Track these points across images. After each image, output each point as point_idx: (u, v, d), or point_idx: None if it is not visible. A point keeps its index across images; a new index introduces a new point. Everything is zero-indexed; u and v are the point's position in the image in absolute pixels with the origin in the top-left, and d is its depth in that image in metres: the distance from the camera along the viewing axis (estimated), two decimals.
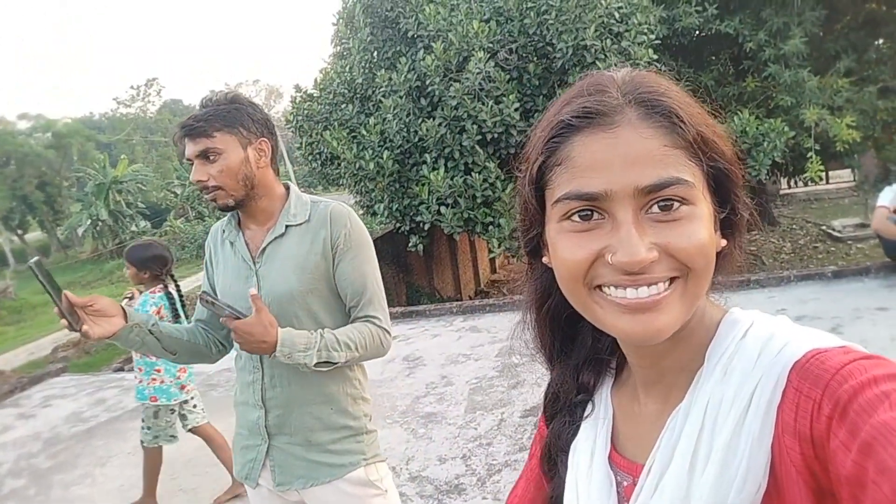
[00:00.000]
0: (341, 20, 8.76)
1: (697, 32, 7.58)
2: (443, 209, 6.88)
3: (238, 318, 1.44)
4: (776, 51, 6.93)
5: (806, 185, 11.66)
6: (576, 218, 0.57)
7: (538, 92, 6.94)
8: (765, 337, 0.58)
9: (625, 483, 0.65)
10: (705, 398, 0.59)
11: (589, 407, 0.73)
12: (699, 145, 0.56)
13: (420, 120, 7.03)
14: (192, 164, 1.56)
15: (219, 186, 1.54)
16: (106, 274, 22.20)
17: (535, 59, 6.85)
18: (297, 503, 1.69)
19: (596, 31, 6.36)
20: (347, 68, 8.21)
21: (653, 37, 6.66)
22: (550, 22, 6.54)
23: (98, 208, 23.74)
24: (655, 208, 0.54)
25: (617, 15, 6.55)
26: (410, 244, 7.55)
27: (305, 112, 8.42)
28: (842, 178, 14.64)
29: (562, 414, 0.75)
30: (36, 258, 1.41)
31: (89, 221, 24.00)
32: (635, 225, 0.54)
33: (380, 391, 4.79)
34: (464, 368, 5.05)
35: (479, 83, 6.55)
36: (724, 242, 0.61)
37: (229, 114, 1.55)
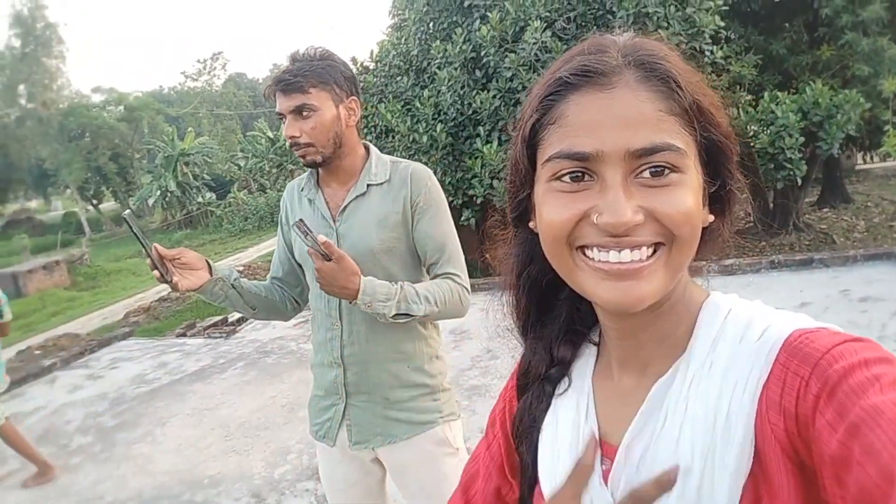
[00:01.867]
0: None
1: None
2: (496, 183, 6.80)
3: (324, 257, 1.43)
4: (854, 17, 6.47)
5: (883, 160, 10.98)
6: (566, 179, 0.56)
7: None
8: (750, 318, 0.57)
9: (603, 466, 0.63)
10: (688, 377, 0.57)
11: (564, 383, 0.71)
12: (695, 114, 0.55)
13: (474, 92, 6.94)
14: (284, 119, 1.57)
15: (310, 143, 1.56)
16: (175, 243, 23.06)
17: (593, 27, 6.61)
18: (371, 461, 1.72)
19: None
20: (403, 40, 8.16)
21: (720, 2, 6.32)
22: None
23: (167, 180, 24.63)
24: (646, 173, 0.54)
25: None
26: (462, 218, 7.52)
27: (361, 84, 8.41)
28: None
29: (533, 387, 0.73)
30: (128, 210, 1.47)
31: (159, 192, 24.95)
32: (623, 188, 0.53)
33: None
34: (510, 343, 4.98)
35: (535, 54, 6.39)
36: (711, 218, 0.60)
37: (324, 70, 1.56)
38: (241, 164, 25.33)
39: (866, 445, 0.43)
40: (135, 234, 1.41)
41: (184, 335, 7.36)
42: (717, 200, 0.61)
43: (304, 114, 1.54)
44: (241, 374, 5.56)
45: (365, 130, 8.63)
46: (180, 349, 6.72)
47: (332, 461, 1.74)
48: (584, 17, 6.62)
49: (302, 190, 1.73)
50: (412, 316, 1.53)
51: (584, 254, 0.56)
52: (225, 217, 22.85)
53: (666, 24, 6.12)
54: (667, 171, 0.54)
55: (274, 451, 3.93)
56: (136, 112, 30.88)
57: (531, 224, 0.63)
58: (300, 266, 1.77)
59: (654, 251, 0.55)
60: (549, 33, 6.35)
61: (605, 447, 0.64)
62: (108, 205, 35.78)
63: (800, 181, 6.64)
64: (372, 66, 8.61)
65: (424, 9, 7.80)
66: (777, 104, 6.25)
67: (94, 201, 33.56)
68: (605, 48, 0.57)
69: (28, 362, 7.28)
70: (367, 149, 1.69)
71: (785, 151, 6.10)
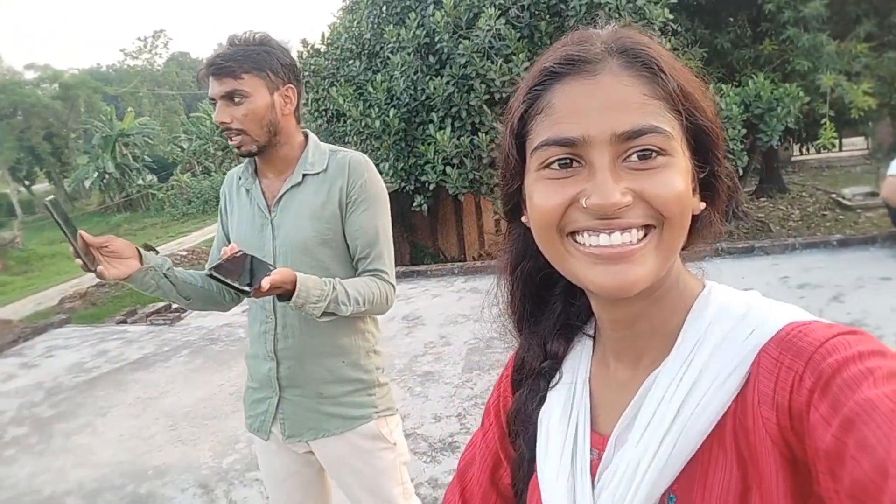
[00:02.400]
0: None
1: None
2: (448, 169, 6.79)
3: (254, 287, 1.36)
4: (795, 13, 6.71)
5: (818, 151, 11.47)
6: (554, 166, 0.56)
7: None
8: (744, 309, 0.58)
9: (591, 457, 0.63)
10: (679, 366, 0.57)
11: (557, 376, 0.71)
12: (679, 98, 0.56)
13: (428, 78, 6.89)
14: (216, 104, 1.51)
15: (242, 130, 1.51)
16: (113, 227, 22.25)
17: (547, 16, 6.66)
18: (305, 454, 1.70)
19: None
20: (355, 23, 8.04)
21: None
22: None
23: (105, 161, 23.69)
24: (634, 157, 0.54)
25: None
26: (415, 204, 7.49)
27: (312, 67, 8.27)
28: (855, 145, 14.37)
29: (528, 382, 0.73)
30: (51, 197, 1.38)
31: (96, 174, 23.99)
32: (611, 170, 0.54)
33: None
34: (463, 329, 5.04)
35: (489, 41, 6.39)
36: (702, 206, 0.60)
37: (259, 56, 1.50)
38: (185, 146, 24.55)
39: (860, 439, 0.43)
40: (57, 221, 1.33)
41: (124, 322, 7.10)
42: (707, 188, 0.61)
43: (236, 100, 1.49)
44: (187, 361, 5.41)
45: (316, 114, 8.47)
46: (121, 336, 6.49)
47: (269, 453, 1.72)
48: (538, 6, 6.65)
49: (240, 179, 1.68)
50: (335, 315, 1.51)
51: (575, 240, 0.56)
52: (167, 200, 22.15)
53: (617, 15, 6.20)
54: (654, 153, 0.54)
55: (222, 440, 3.84)
56: (71, 90, 29.53)
57: (524, 219, 0.63)
58: None
59: (645, 234, 0.55)
60: (502, 21, 6.36)
61: (596, 438, 0.64)
62: (42, 186, 34.21)
63: (741, 171, 6.88)
64: (323, 48, 8.44)
65: None
66: (721, 96, 6.44)
67: (27, 182, 32.02)
68: (589, 39, 0.58)
69: None
70: (305, 137, 1.65)
71: (728, 143, 6.28)
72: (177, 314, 6.99)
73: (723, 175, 0.61)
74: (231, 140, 1.52)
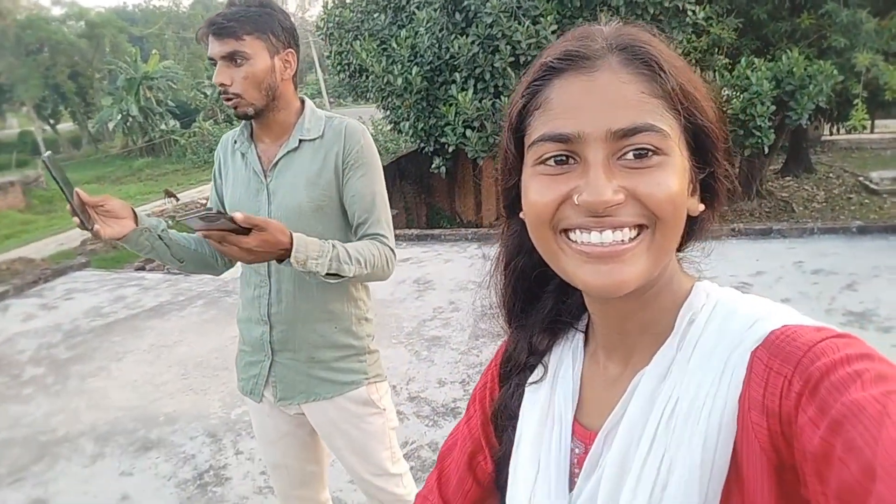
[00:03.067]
0: None
1: None
2: (468, 132, 6.71)
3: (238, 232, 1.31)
4: None
5: (849, 132, 11.15)
6: (550, 162, 0.57)
7: (578, 14, 6.57)
8: (735, 311, 0.57)
9: (577, 451, 0.65)
10: (668, 366, 0.58)
11: (538, 371, 0.72)
12: (678, 98, 0.56)
13: (453, 36, 6.76)
14: (216, 64, 1.51)
15: (240, 94, 1.50)
16: (135, 171, 22.41)
17: None
18: (297, 416, 1.74)
19: None
20: None
21: None
22: None
23: (129, 103, 23.68)
24: (629, 155, 0.54)
25: None
26: (433, 166, 7.45)
27: (337, 19, 8.14)
28: (888, 128, 13.93)
29: (514, 377, 0.74)
30: (48, 153, 1.38)
31: (119, 116, 24.02)
32: (604, 168, 0.54)
33: (388, 311, 4.86)
34: (472, 295, 5.03)
35: (517, 1, 6.23)
36: (702, 207, 0.60)
37: (261, 18, 1.50)
38: (208, 92, 24.49)
39: (848, 441, 0.44)
40: (54, 178, 1.33)
41: (143, 269, 7.22)
42: (706, 189, 0.61)
43: (237, 61, 1.48)
44: (201, 312, 5.52)
45: (338, 68, 8.38)
46: (139, 283, 6.62)
47: (262, 415, 1.76)
48: None
49: (236, 143, 1.68)
50: (341, 277, 1.50)
51: (568, 237, 0.57)
52: (189, 147, 22.19)
53: None
54: (650, 152, 0.54)
55: (231, 391, 3.94)
56: (97, 29, 29.34)
57: (521, 214, 0.63)
58: None
59: (638, 234, 0.55)
60: None
61: (583, 432, 0.65)
62: (66, 125, 34.39)
63: (767, 149, 6.72)
64: (349, 0, 8.30)
65: None
66: (753, 70, 6.25)
67: (52, 121, 32.20)
68: (590, 35, 0.58)
69: None
70: (302, 103, 1.65)
71: (756, 119, 6.14)
72: None
73: (722, 177, 0.61)
74: (228, 101, 1.52)
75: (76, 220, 1.38)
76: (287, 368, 1.67)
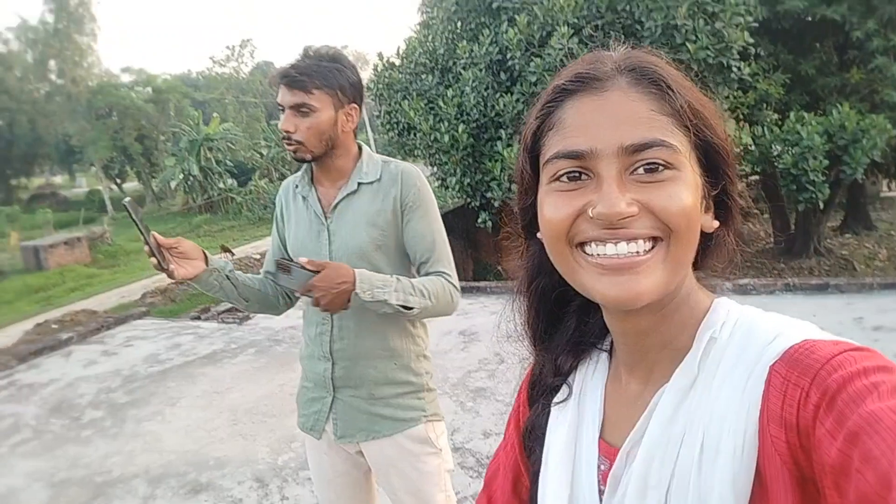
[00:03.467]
0: None
1: (801, 17, 7.08)
2: (514, 187, 6.80)
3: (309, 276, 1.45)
4: (885, 42, 6.42)
5: None
6: (564, 179, 0.59)
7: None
8: (755, 326, 0.58)
9: (602, 467, 0.65)
10: (689, 383, 0.58)
11: (563, 391, 0.73)
12: (687, 115, 0.57)
13: (498, 94, 6.97)
14: (284, 111, 1.59)
15: (302, 141, 1.58)
16: (194, 227, 23.31)
17: (621, 37, 6.57)
18: (357, 454, 1.76)
19: (688, 10, 6.07)
20: (430, 38, 8.20)
21: (750, 19, 6.30)
22: None
23: (190, 164, 24.84)
24: (641, 170, 0.56)
25: None
26: (479, 220, 7.55)
27: (386, 80, 8.48)
28: None
29: (541, 398, 0.76)
30: (129, 198, 1.50)
31: (181, 176, 25.18)
32: (617, 181, 0.56)
33: (433, 362, 4.84)
34: (518, 347, 5.00)
35: (561, 59, 6.39)
36: (716, 224, 0.62)
37: (331, 73, 1.57)
38: (264, 152, 25.51)
39: (865, 453, 0.44)
40: (134, 221, 1.44)
41: (198, 318, 7.46)
42: (720, 207, 0.63)
43: (303, 111, 1.56)
44: (252, 360, 5.64)
45: (387, 126, 8.67)
46: (194, 332, 6.83)
47: (319, 452, 1.79)
48: (613, 26, 6.62)
49: (297, 187, 1.76)
50: (410, 308, 1.55)
51: (584, 250, 0.58)
52: (245, 204, 23.03)
53: (694, 38, 6.10)
54: (661, 167, 0.55)
55: (279, 438, 4.00)
56: (163, 94, 31.19)
57: (539, 235, 0.66)
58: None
59: (653, 246, 0.56)
60: (576, 40, 6.36)
61: (607, 448, 0.66)
62: (132, 184, 36.17)
63: (822, 205, 6.59)
64: (398, 62, 8.65)
65: (453, 8, 7.83)
66: (802, 125, 6.22)
67: (118, 180, 33.95)
68: (600, 59, 0.61)
69: (45, 335, 7.44)
70: (359, 148, 1.73)
71: (808, 173, 6.06)
72: (246, 314, 7.28)
73: (735, 194, 0.62)
74: (288, 146, 1.60)
75: (153, 260, 1.47)
76: (348, 405, 1.70)
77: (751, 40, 6.20)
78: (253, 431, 4.15)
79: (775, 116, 7.04)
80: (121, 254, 19.48)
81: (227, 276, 1.65)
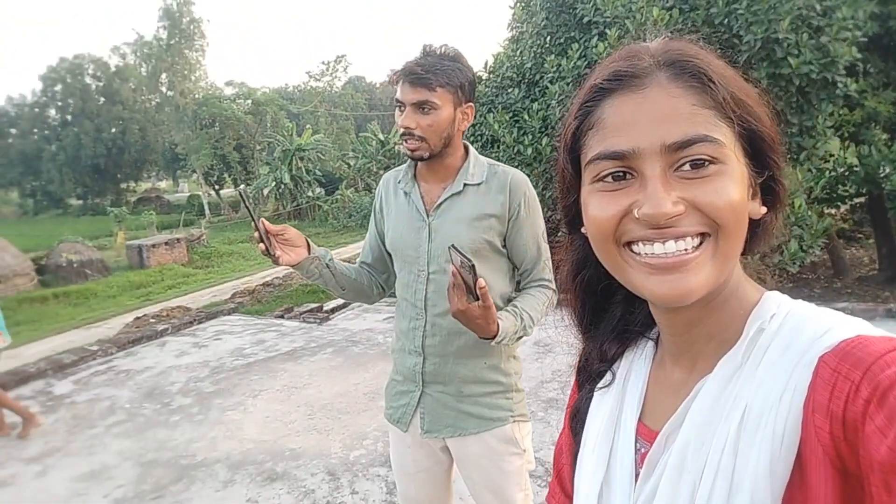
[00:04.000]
0: (518, 4, 8.80)
1: None
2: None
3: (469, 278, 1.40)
4: None
5: None
6: (608, 179, 0.58)
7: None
8: (807, 318, 0.56)
9: (642, 450, 0.65)
10: (732, 371, 0.57)
11: (607, 377, 0.73)
12: (730, 106, 0.56)
13: None
14: (403, 108, 1.60)
15: (423, 138, 1.59)
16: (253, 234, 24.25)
17: (717, 51, 6.36)
18: (441, 450, 1.78)
19: (791, 23, 5.81)
20: (518, 52, 8.24)
21: (859, 34, 5.95)
22: (740, 11, 6.07)
23: (282, 172, 25.97)
24: (686, 166, 0.55)
25: (818, 7, 5.91)
26: (560, 234, 7.45)
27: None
28: None
29: (587, 383, 0.77)
30: (243, 185, 1.61)
31: (273, 184, 26.36)
32: (662, 180, 0.55)
33: None
34: (566, 334, 4.90)
35: (653, 40, 6.26)
36: (763, 210, 0.60)
37: (452, 72, 1.59)
38: (351, 163, 26.30)
39: None
40: (247, 207, 1.51)
41: (281, 317, 7.75)
42: (768, 192, 0.61)
43: (425, 109, 1.57)
44: (329, 359, 5.80)
45: (472, 139, 8.76)
46: (277, 329, 7.10)
47: (403, 445, 1.80)
48: (709, 40, 6.29)
49: (399, 182, 1.77)
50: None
51: (632, 250, 0.58)
52: (331, 212, 23.81)
53: (797, 52, 5.83)
54: (706, 162, 0.54)
55: (351, 434, 4.08)
56: (261, 106, 32.79)
57: (583, 229, 0.65)
58: (389, 255, 1.85)
59: (701, 243, 0.56)
60: None
61: (647, 432, 0.66)
62: (228, 191, 38.09)
63: None
64: (485, 76, 8.74)
65: (543, 23, 7.84)
66: None
67: (216, 187, 35.88)
68: (637, 53, 0.60)
69: (143, 327, 7.94)
70: (466, 149, 1.73)
71: None
72: (326, 315, 7.51)
73: (782, 178, 0.61)
74: (407, 143, 1.60)
75: (262, 245, 1.55)
76: (436, 401, 1.71)
77: (859, 56, 5.86)
78: (327, 426, 4.26)
79: (884, 136, 6.60)
80: (215, 255, 20.55)
81: (326, 264, 1.72)
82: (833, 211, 7.55)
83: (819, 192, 5.93)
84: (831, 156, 6.42)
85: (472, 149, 1.73)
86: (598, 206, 0.59)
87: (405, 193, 1.75)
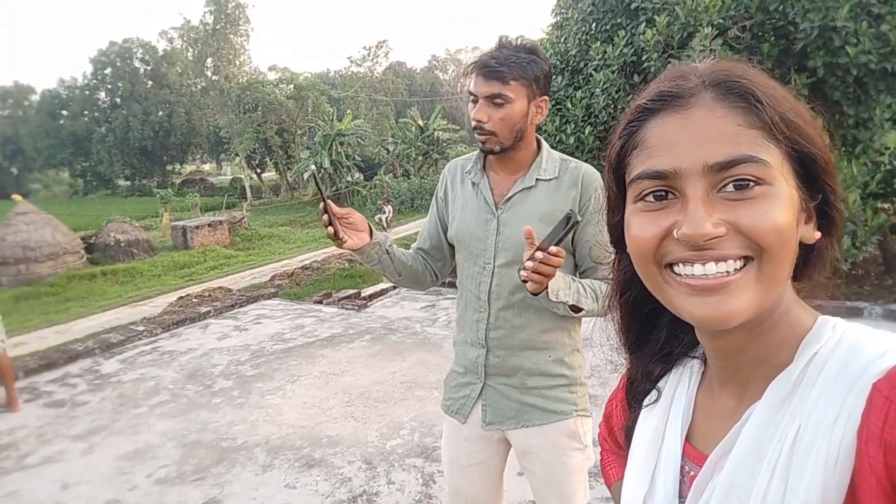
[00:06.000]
0: None
1: None
2: None
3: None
4: None
5: None
6: (650, 199, 0.58)
7: (770, 75, 6.27)
8: (862, 343, 0.55)
9: (691, 472, 0.65)
10: (784, 396, 0.56)
11: (653, 394, 0.73)
12: (779, 126, 0.55)
13: (629, 97, 6.73)
14: (476, 101, 1.58)
15: (494, 132, 1.57)
16: (320, 216, 24.53)
17: (771, 38, 6.18)
18: (498, 442, 1.77)
19: (850, 10, 5.56)
20: (563, 39, 8.10)
21: None
22: None
23: (322, 157, 26.25)
24: (730, 187, 0.54)
25: None
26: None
27: None
28: None
29: (635, 402, 0.77)
30: (313, 167, 1.62)
31: (314, 167, 26.67)
32: (703, 201, 0.54)
33: None
34: (615, 355, 4.83)
35: (701, 62, 6.08)
36: (818, 235, 0.58)
37: (528, 65, 1.56)
38: (390, 148, 26.44)
39: None
40: (319, 189, 1.51)
41: (320, 303, 7.85)
42: (823, 216, 0.60)
43: (497, 102, 1.54)
44: (367, 346, 5.85)
45: None
46: (316, 315, 7.18)
47: (459, 437, 1.78)
48: (762, 27, 6.20)
49: (468, 172, 1.75)
50: (581, 309, 1.54)
51: (673, 270, 0.57)
52: (369, 197, 23.97)
53: (855, 41, 5.59)
54: (751, 184, 0.53)
55: (388, 423, 4.11)
56: (303, 91, 33.13)
57: (628, 249, 0.65)
58: (449, 244, 1.82)
59: (744, 265, 0.54)
60: (719, 41, 6.01)
61: (696, 454, 0.66)
62: (269, 174, 38.72)
63: None
64: None
65: (589, 9, 7.67)
66: None
67: (258, 170, 36.48)
68: (684, 74, 0.59)
69: (186, 307, 8.13)
70: (538, 143, 1.70)
71: None
72: (364, 302, 7.57)
73: (837, 203, 0.59)
74: (478, 136, 1.58)
75: (330, 229, 1.55)
76: (498, 393, 1.70)
77: None
78: (364, 415, 4.30)
79: None
80: (255, 238, 20.92)
81: (386, 250, 1.71)
82: (887, 206, 7.25)
83: (874, 186, 5.69)
84: (887, 149, 6.15)
85: (544, 143, 1.70)
86: (640, 226, 0.59)
87: (473, 184, 1.73)
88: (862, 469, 0.49)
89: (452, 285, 6.29)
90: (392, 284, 8.26)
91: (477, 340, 1.70)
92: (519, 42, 1.58)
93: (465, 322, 1.75)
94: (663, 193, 0.57)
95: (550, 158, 1.68)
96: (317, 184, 1.51)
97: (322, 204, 1.52)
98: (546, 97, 1.62)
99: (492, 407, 1.70)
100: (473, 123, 1.59)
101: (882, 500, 0.48)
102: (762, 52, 6.16)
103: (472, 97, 1.59)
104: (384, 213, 20.31)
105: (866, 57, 5.49)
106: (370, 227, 1.65)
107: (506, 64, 1.53)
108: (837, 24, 5.59)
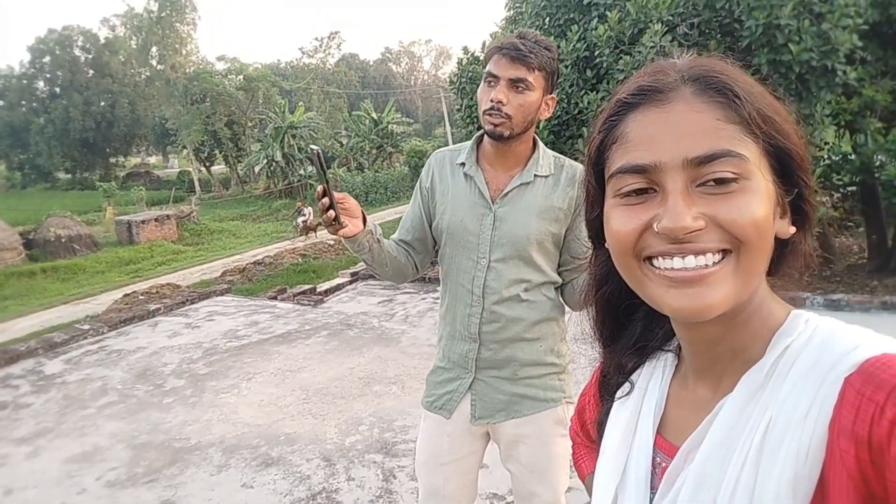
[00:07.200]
0: None
1: None
2: None
3: None
4: None
5: None
6: (630, 193, 0.58)
7: None
8: (834, 336, 0.56)
9: (663, 464, 0.65)
10: (756, 389, 0.57)
11: (626, 386, 0.74)
12: (756, 122, 0.56)
13: (583, 92, 6.83)
14: (496, 82, 1.56)
15: (510, 116, 1.56)
16: (273, 211, 24.14)
17: (718, 36, 6.35)
18: (481, 437, 1.77)
19: (793, 9, 5.75)
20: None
21: (860, 21, 5.91)
22: None
23: (274, 150, 25.80)
24: (710, 182, 0.55)
25: None
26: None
27: (469, 75, 8.47)
28: None
29: (608, 395, 0.78)
30: (316, 146, 1.45)
31: (265, 161, 26.19)
32: (683, 195, 0.55)
33: None
34: (588, 349, 4.92)
35: (652, 58, 6.20)
36: (793, 230, 0.60)
37: (550, 60, 1.59)
38: (344, 141, 26.16)
39: None
40: (321, 170, 1.42)
41: (275, 298, 7.72)
42: (797, 212, 0.61)
43: (520, 87, 1.55)
44: (324, 342, 5.78)
45: (467, 121, 8.68)
46: (271, 311, 7.05)
47: (441, 434, 1.76)
48: (709, 24, 6.36)
49: (462, 164, 1.72)
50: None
51: (652, 264, 0.58)
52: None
53: (798, 39, 5.79)
54: (730, 179, 0.54)
55: (347, 420, 4.07)
56: (253, 83, 32.45)
57: (607, 244, 0.65)
58: (433, 237, 1.80)
59: (722, 258, 0.55)
60: (669, 38, 6.14)
61: (667, 445, 0.66)
62: (219, 168, 37.80)
63: None
64: (482, 56, 8.63)
65: (542, 3, 7.74)
66: None
67: (207, 163, 35.55)
68: (663, 69, 0.60)
69: (134, 304, 7.88)
70: (534, 140, 1.71)
71: None
72: (320, 297, 7.48)
73: (811, 198, 0.61)
74: (492, 117, 1.56)
75: (330, 213, 1.46)
76: (489, 386, 1.70)
77: (859, 44, 5.82)
78: (322, 411, 4.25)
79: (880, 125, 6.59)
80: (205, 232, 20.42)
81: (378, 238, 1.67)
82: (825, 199, 7.56)
83: (814, 180, 5.92)
84: (826, 143, 6.42)
85: (539, 140, 1.71)
86: (619, 220, 0.59)
87: (467, 176, 1.70)
88: (832, 462, 0.50)
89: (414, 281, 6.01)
90: (348, 280, 8.20)
91: (468, 335, 1.69)
92: (539, 38, 1.60)
93: (455, 316, 1.73)
94: (643, 188, 0.57)
95: (546, 156, 1.69)
96: (320, 165, 1.41)
97: (321, 187, 1.44)
98: (554, 97, 1.64)
99: (481, 401, 1.70)
100: (487, 105, 1.56)
101: (852, 493, 0.49)
102: (709, 49, 6.32)
103: (489, 78, 1.57)
104: (303, 215, 17.82)
105: (808, 55, 5.69)
106: (363, 215, 1.60)
107: (533, 52, 1.54)
108: (781, 23, 5.78)
